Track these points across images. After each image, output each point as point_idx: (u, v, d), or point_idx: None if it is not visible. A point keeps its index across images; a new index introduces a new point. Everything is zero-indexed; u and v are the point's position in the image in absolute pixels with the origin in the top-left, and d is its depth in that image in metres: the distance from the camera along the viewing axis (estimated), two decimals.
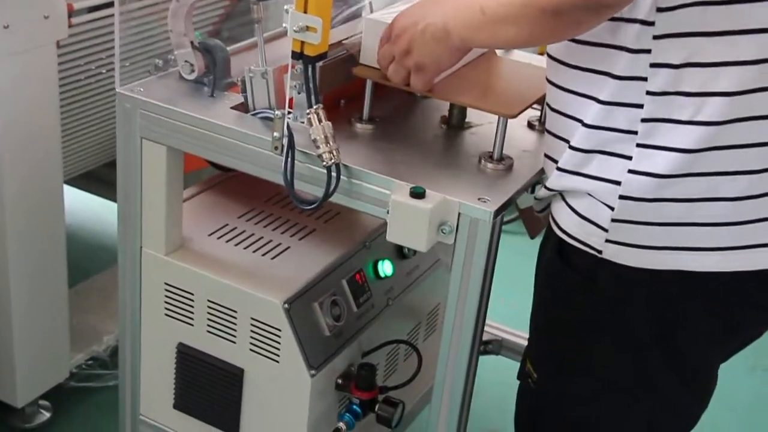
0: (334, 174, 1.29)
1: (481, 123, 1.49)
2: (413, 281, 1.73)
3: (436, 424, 1.39)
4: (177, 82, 1.48)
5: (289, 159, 1.31)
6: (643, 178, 1.15)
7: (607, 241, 1.20)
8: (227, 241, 1.59)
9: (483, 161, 1.37)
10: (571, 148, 1.20)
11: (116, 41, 1.44)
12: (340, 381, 1.55)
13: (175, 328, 1.57)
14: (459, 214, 1.26)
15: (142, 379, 1.65)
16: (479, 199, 1.26)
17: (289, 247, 1.60)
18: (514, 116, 1.35)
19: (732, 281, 1.20)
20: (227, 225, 1.63)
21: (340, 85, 1.45)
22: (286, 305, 1.46)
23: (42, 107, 1.79)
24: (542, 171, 1.35)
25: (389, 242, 1.66)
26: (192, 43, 1.44)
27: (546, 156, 1.30)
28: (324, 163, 1.28)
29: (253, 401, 1.54)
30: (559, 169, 1.23)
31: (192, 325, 1.55)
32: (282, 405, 1.51)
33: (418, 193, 1.24)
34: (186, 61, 1.46)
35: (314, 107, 1.27)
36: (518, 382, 1.42)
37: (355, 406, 1.55)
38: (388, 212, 1.27)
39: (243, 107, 1.43)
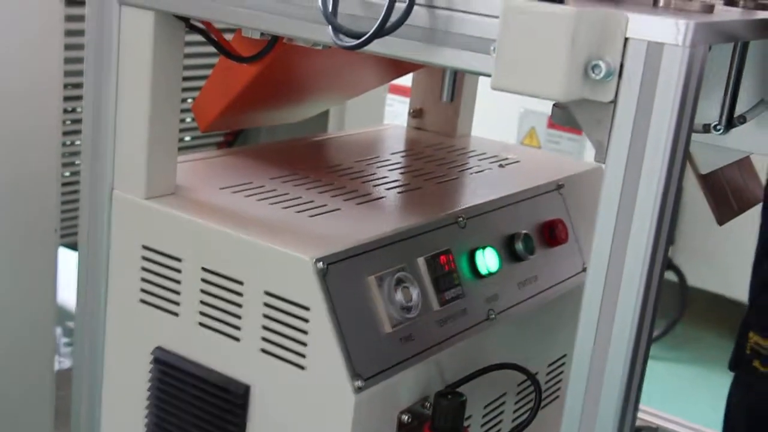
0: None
1: None
2: (529, 298, 1.12)
3: None
4: None
5: None
6: None
7: None
8: (247, 196, 1.04)
9: None
10: None
11: None
12: (406, 418, 0.94)
13: (151, 324, 1.00)
14: (626, 39, 0.69)
15: (104, 402, 1.06)
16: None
17: (339, 209, 1.03)
18: None
19: None
20: (251, 182, 1.09)
21: None
22: (321, 264, 0.88)
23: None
24: None
25: (495, 227, 1.10)
26: None
27: None
28: None
29: None
30: None
31: (176, 314, 0.98)
32: None
33: None
34: None
35: None
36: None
37: None
38: (494, 49, 0.71)
39: None
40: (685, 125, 0.70)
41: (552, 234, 1.18)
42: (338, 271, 0.90)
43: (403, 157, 1.29)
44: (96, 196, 1.01)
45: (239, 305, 0.93)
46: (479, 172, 1.26)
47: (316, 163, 1.19)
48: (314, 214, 1.01)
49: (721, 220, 1.06)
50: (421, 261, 0.98)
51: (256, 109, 1.21)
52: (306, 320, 0.89)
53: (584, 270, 1.23)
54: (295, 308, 0.89)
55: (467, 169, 1.26)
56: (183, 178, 1.05)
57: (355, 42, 0.75)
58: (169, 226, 0.97)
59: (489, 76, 0.73)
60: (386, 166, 1.22)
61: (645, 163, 0.69)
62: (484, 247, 1.06)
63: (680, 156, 0.70)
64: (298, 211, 1.01)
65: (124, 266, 1.01)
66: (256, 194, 1.04)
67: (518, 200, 1.16)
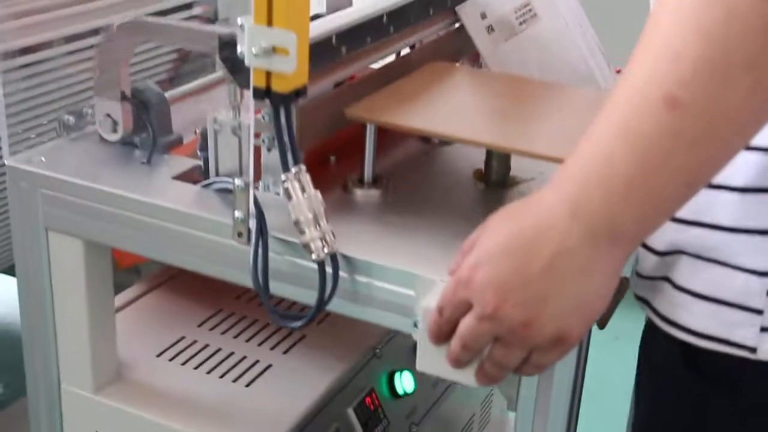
0: (329, 270, 0.84)
1: (532, 177, 1.05)
2: (441, 394, 1.27)
3: None
4: (96, 146, 1.04)
5: (260, 250, 0.86)
6: None
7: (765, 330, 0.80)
8: (183, 364, 1.13)
9: None
10: None
11: None
12: None
13: None
14: None
15: None
16: None
17: (270, 366, 1.14)
18: None
19: None
20: (183, 338, 1.18)
21: (327, 136, 1.00)
22: None
23: None
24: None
25: (405, 343, 1.23)
26: (123, 94, 1.00)
27: None
28: (314, 256, 0.83)
29: None
30: (675, 220, 0.83)
31: None
32: None
33: None
34: (107, 116, 1.01)
35: (293, 170, 0.83)
36: None
37: None
38: (415, 325, 0.82)
39: (190, 175, 0.99)
40: (580, 374, 0.84)
41: None
42: None
43: None
44: (45, 393, 1.09)
45: None
46: None
47: (235, 292, 1.27)
48: (250, 378, 1.11)
49: (602, 323, 1.21)
50: (350, 412, 1.11)
51: None
52: None
53: None
54: None
55: None
56: (119, 341, 1.13)
57: (295, 325, 0.85)
58: (121, 418, 1.06)
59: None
60: None
61: (550, 416, 0.83)
62: (401, 371, 1.19)
63: (578, 397, 0.84)
64: (234, 379, 1.11)
65: None
66: (191, 358, 1.14)
67: None
